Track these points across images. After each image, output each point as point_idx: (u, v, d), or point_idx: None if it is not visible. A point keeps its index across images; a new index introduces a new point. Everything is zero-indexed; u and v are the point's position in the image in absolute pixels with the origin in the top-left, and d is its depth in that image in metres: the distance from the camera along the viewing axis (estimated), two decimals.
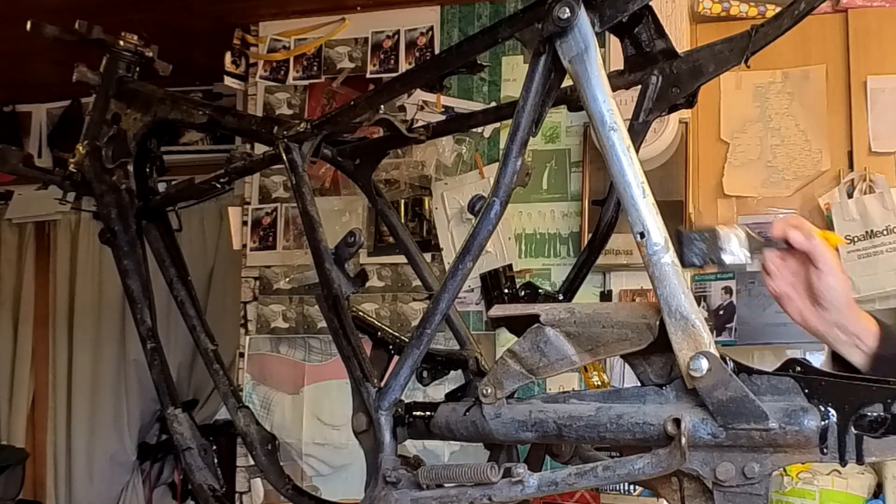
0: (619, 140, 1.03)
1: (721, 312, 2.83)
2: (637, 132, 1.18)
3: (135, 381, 4.43)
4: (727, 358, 1.01)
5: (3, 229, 4.58)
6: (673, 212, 2.84)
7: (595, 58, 1.05)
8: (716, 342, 3.08)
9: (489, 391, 1.12)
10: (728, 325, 2.82)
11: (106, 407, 4.42)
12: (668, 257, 1.00)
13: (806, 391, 0.98)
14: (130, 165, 1.58)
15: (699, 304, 2.84)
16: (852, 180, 2.77)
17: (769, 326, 2.83)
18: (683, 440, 0.97)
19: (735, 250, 1.09)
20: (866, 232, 2.69)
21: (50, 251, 4.55)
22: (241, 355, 3.33)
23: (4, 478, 4.07)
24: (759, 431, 0.96)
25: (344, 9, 3.34)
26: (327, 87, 3.35)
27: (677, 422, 0.99)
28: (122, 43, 1.62)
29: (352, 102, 1.36)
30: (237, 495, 3.24)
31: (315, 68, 3.37)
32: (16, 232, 4.57)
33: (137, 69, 1.66)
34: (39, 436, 4.50)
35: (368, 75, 3.29)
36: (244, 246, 3.37)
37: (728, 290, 2.84)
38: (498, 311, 1.17)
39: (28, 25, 1.58)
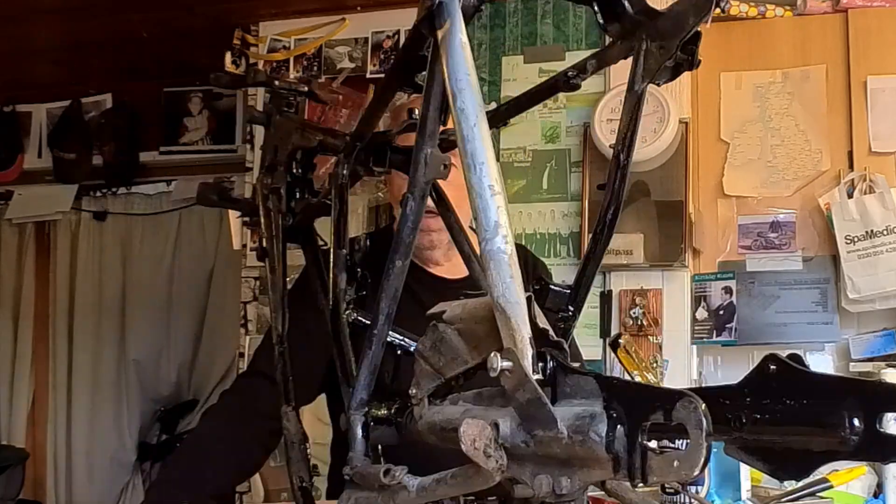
0: (474, 116, 0.95)
1: (721, 312, 2.83)
2: (633, 100, 1.13)
3: (135, 381, 4.43)
4: (548, 353, 0.89)
5: (3, 229, 4.58)
6: (673, 212, 2.84)
7: (457, 36, 1.01)
8: (716, 342, 3.06)
9: (414, 391, 1.10)
10: (728, 325, 2.83)
11: (106, 407, 4.42)
12: (496, 244, 0.91)
13: (604, 394, 0.85)
14: (283, 190, 1.68)
15: (699, 304, 2.85)
16: (852, 180, 2.77)
17: (769, 326, 2.83)
18: (482, 447, 0.87)
19: None
20: (866, 232, 2.69)
21: (50, 251, 4.55)
22: (241, 355, 3.33)
23: (4, 478, 4.07)
24: (553, 440, 0.84)
25: (344, 9, 3.34)
26: (327, 87, 3.35)
27: (496, 426, 0.88)
28: (277, 83, 1.76)
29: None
30: (237, 495, 3.24)
31: (315, 68, 3.37)
32: (16, 232, 4.57)
33: (296, 102, 1.80)
34: (39, 436, 4.50)
35: (368, 75, 3.30)
36: (244, 246, 3.37)
37: (728, 290, 2.85)
38: (435, 308, 1.16)
39: (211, 78, 1.75)
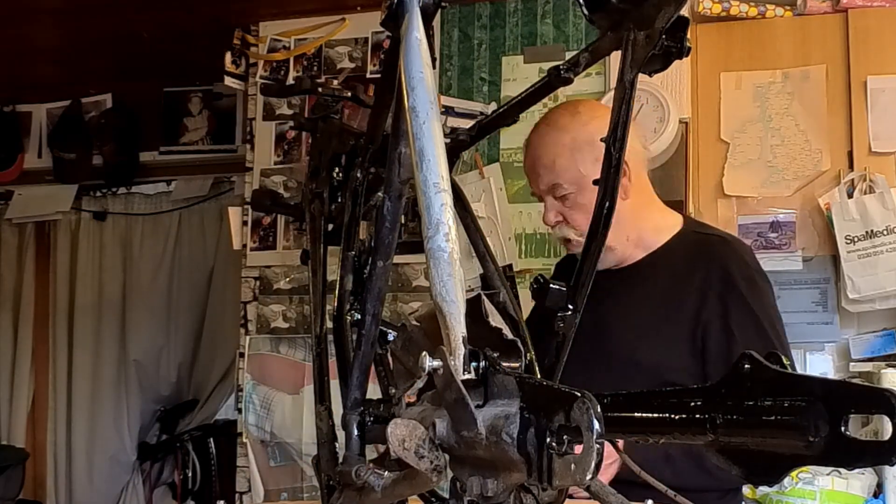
0: (424, 113, 0.93)
1: None
2: (623, 91, 1.12)
3: (135, 381, 4.44)
4: (482, 352, 0.87)
5: (3, 229, 4.59)
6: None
7: (413, 34, 0.99)
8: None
9: (392, 391, 1.10)
10: None
11: (106, 407, 4.42)
12: (436, 242, 0.89)
13: (521, 395, 0.82)
14: (326, 194, 1.69)
15: None
16: (852, 180, 2.77)
17: None
18: (413, 448, 0.86)
19: None
20: (866, 232, 2.69)
21: (50, 251, 4.56)
22: (241, 355, 3.34)
23: (4, 478, 4.08)
24: (476, 442, 0.82)
25: (344, 9, 3.34)
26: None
27: (434, 427, 0.87)
28: (321, 90, 1.82)
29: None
30: (237, 495, 3.24)
31: (315, 68, 3.38)
32: (16, 232, 4.58)
33: (340, 106, 1.83)
34: (39, 436, 4.50)
35: (368, 75, 3.30)
36: (244, 246, 3.37)
37: None
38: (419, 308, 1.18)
39: (261, 88, 1.84)
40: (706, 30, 2.97)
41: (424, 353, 0.85)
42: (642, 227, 1.89)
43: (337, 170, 1.73)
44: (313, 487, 3.09)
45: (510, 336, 1.00)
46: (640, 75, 1.05)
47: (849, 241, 2.70)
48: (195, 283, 4.45)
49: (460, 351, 0.85)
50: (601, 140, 1.03)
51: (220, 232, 4.24)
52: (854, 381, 0.80)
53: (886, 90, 2.81)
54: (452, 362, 0.84)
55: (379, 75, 3.27)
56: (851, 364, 2.75)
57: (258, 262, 3.35)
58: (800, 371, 0.90)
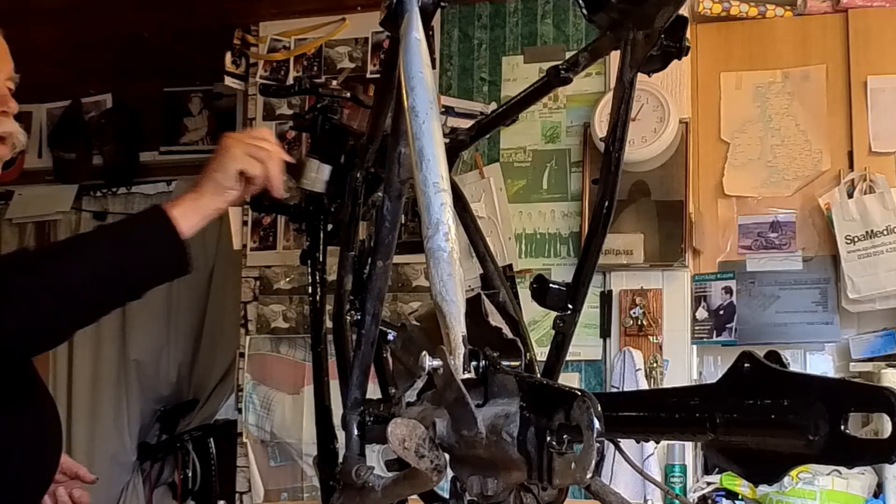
0: (424, 113, 0.93)
1: (721, 312, 2.83)
2: (622, 91, 1.11)
3: (135, 381, 4.43)
4: (482, 351, 0.88)
5: (3, 229, 4.57)
6: (673, 211, 2.84)
7: (412, 34, 0.99)
8: (716, 342, 3.07)
9: (392, 391, 1.11)
10: (728, 325, 2.83)
11: (106, 407, 4.41)
12: (436, 241, 0.89)
13: (521, 394, 0.83)
14: (324, 197, 1.76)
15: (699, 304, 2.85)
16: (852, 180, 2.77)
17: (769, 326, 2.83)
18: (413, 448, 0.86)
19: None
20: (866, 232, 2.69)
21: None
22: (241, 355, 3.33)
23: None
24: (476, 441, 0.83)
25: (344, 9, 3.34)
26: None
27: (434, 426, 0.88)
28: (321, 90, 1.90)
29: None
30: (237, 495, 3.24)
31: (315, 68, 3.38)
32: (16, 232, 4.57)
33: (340, 108, 1.91)
34: None
35: (368, 75, 3.30)
36: (244, 246, 3.37)
37: (728, 290, 2.85)
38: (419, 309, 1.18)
39: (260, 89, 1.93)
40: (706, 30, 2.97)
41: (424, 352, 0.85)
42: None
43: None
44: (313, 487, 3.09)
45: (510, 335, 1.00)
46: (640, 75, 1.06)
47: (849, 241, 2.70)
48: (195, 283, 4.43)
49: (460, 350, 0.85)
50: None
51: (220, 232, 4.23)
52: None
53: (886, 90, 2.81)
54: (452, 362, 0.84)
55: (379, 75, 3.27)
56: (851, 364, 2.75)
57: (258, 262, 3.35)
58: (799, 371, 0.90)
